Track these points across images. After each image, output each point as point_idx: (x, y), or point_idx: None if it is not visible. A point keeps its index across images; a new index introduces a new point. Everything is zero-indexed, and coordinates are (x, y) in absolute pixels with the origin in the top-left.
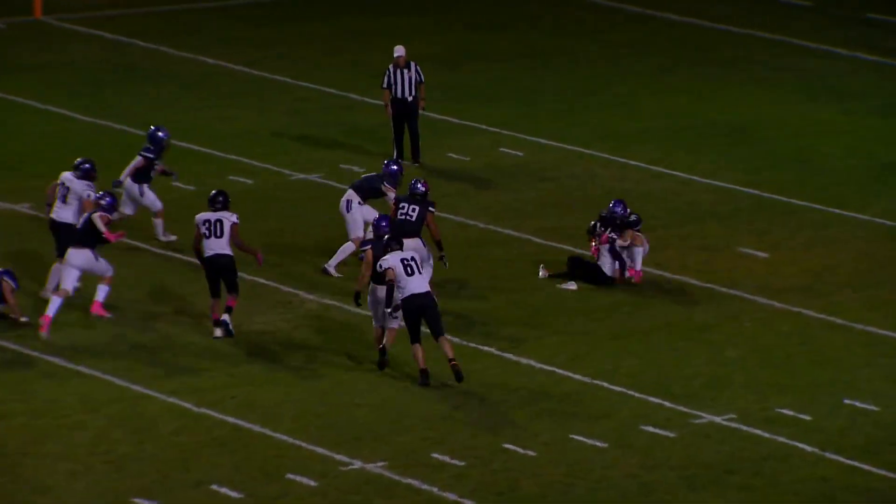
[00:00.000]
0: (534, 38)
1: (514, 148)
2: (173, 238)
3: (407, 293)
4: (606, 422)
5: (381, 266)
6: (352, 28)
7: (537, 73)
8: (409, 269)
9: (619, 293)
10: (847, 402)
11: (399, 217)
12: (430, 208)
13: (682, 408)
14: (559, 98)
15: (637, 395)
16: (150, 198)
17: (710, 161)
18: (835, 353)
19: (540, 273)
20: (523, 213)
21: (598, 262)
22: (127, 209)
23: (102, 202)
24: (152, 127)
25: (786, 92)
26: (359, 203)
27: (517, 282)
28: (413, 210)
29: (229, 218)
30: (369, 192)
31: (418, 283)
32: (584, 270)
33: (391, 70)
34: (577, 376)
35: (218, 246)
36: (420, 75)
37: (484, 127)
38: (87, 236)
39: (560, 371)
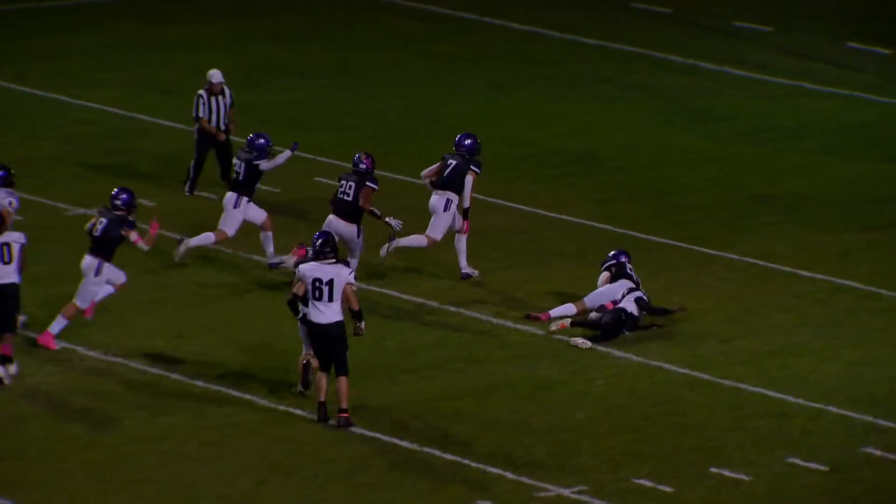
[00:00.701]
0: (347, 50)
1: (332, 178)
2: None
3: (310, 318)
4: (435, 497)
5: (296, 271)
6: (130, 37)
7: (351, 93)
8: (317, 292)
9: (452, 345)
10: (713, 470)
11: (338, 195)
12: (371, 184)
13: (524, 479)
14: (379, 121)
15: (473, 464)
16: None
17: (555, 193)
18: (699, 414)
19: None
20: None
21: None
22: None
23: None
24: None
25: (641, 114)
26: (247, 201)
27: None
28: (350, 187)
29: (18, 240)
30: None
31: (323, 313)
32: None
33: (205, 96)
34: (405, 443)
35: (4, 273)
36: (232, 99)
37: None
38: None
39: (383, 437)
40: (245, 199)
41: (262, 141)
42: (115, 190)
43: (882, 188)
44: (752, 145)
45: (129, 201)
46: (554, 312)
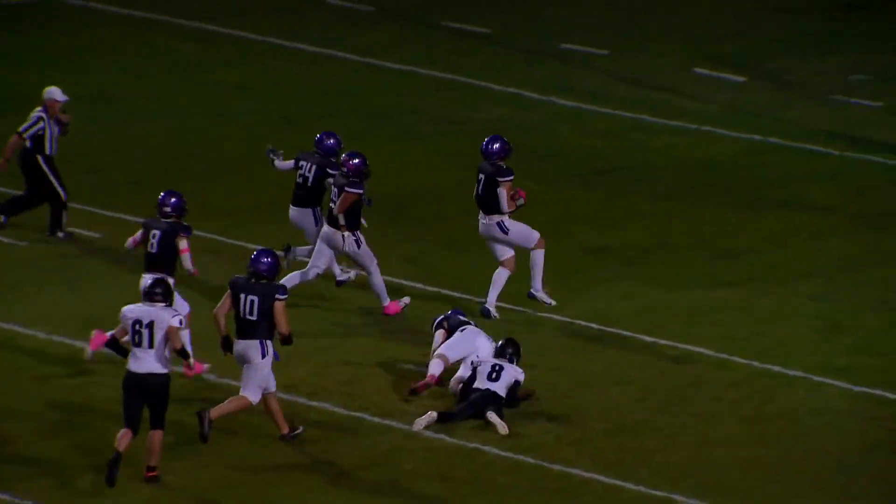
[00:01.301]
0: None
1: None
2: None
3: (129, 365)
4: None
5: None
6: None
7: (107, 124)
8: (136, 336)
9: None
10: None
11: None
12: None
13: None
14: (143, 157)
15: None
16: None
17: None
18: (518, 501)
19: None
20: None
21: None
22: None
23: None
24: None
25: (457, 151)
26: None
27: None
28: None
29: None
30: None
31: (142, 360)
32: None
33: (45, 117)
34: None
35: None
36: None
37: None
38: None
39: None
40: (318, 209)
41: (332, 142)
42: (162, 195)
43: (734, 238)
44: (585, 188)
45: (179, 204)
46: (436, 370)
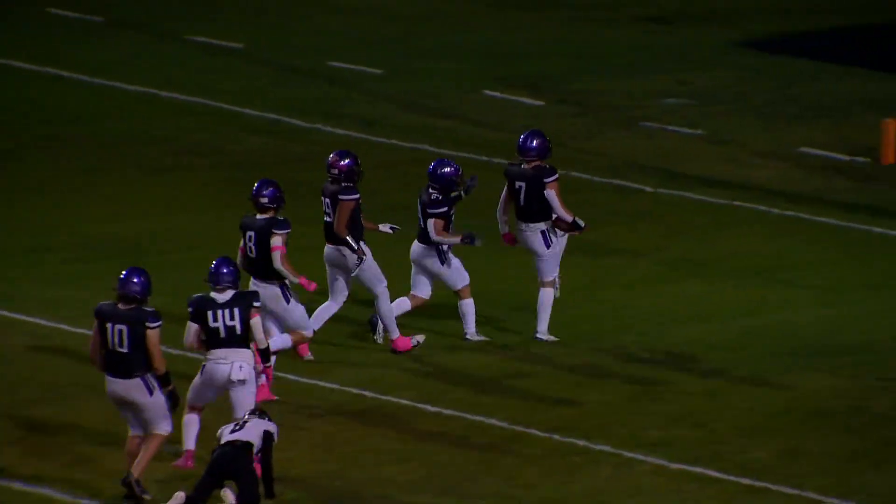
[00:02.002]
0: None
1: None
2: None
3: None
4: None
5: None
6: None
7: None
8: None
9: None
10: None
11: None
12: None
13: None
14: None
15: None
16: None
17: (84, 301)
18: None
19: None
20: None
21: None
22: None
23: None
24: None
25: (202, 194)
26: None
27: None
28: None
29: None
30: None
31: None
32: None
33: None
34: None
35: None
36: None
37: None
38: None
39: None
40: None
41: (449, 170)
42: (256, 185)
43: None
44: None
45: (276, 194)
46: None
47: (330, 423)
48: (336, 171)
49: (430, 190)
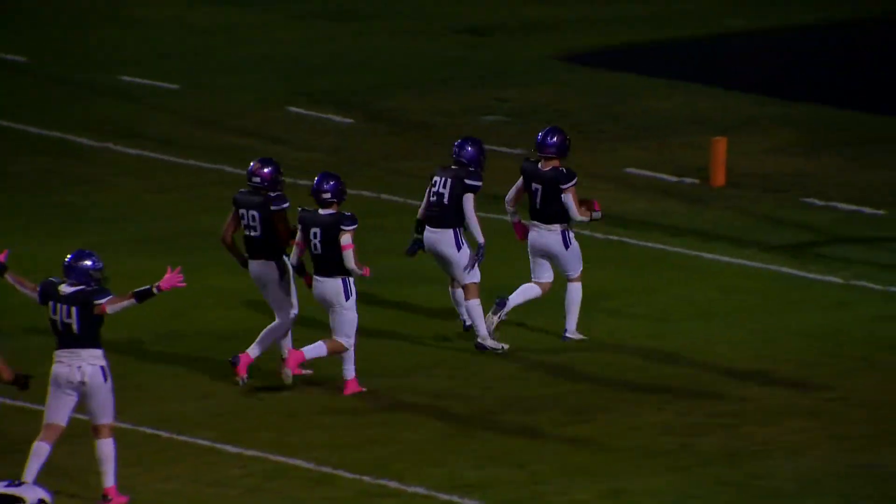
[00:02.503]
0: None
1: None
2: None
3: None
4: None
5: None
6: None
7: None
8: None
9: None
10: None
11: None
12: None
13: None
14: None
15: None
16: None
17: None
18: None
19: None
20: None
21: None
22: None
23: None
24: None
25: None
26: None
27: None
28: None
29: None
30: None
31: None
32: None
33: None
34: None
35: None
36: None
37: None
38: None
39: None
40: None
41: (471, 149)
42: (317, 178)
43: None
44: (151, 260)
45: (339, 188)
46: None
47: (125, 466)
48: (258, 180)
49: (470, 169)
